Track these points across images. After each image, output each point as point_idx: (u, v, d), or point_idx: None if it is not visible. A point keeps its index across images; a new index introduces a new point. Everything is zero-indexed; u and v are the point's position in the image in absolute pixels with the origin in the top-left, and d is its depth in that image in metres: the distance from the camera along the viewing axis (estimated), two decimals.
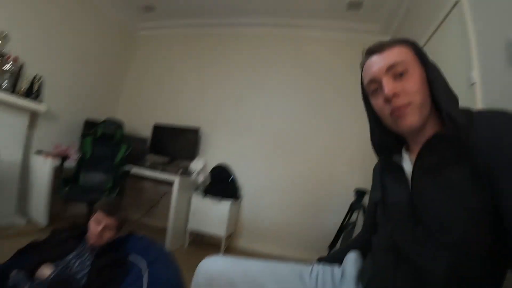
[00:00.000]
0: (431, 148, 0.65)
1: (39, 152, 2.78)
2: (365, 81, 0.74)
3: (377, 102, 0.72)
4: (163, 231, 2.78)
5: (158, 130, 3.49)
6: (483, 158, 0.56)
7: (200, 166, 3.17)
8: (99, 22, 3.57)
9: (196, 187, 3.12)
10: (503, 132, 0.56)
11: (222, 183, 3.04)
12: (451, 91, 0.67)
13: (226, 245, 2.99)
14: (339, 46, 3.30)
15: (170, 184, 3.15)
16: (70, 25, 3.17)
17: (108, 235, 1.43)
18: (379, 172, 0.84)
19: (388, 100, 0.67)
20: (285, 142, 3.24)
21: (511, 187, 0.53)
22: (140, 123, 3.74)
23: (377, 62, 0.69)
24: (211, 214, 2.88)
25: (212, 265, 0.87)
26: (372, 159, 0.90)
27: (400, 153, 0.78)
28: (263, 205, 3.21)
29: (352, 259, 0.86)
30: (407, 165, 0.73)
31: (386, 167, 0.81)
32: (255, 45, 3.57)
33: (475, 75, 1.35)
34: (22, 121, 2.63)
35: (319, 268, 0.87)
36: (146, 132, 3.60)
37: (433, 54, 1.94)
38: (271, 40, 3.51)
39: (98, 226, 1.39)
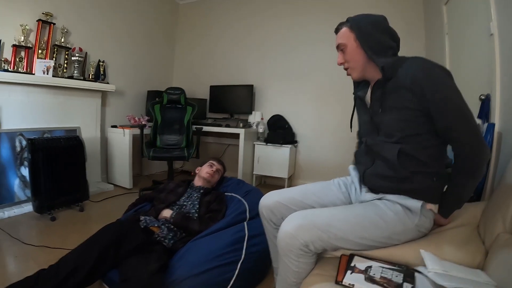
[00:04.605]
0: (377, 87, 1.00)
1: (114, 126, 3.17)
2: None
3: None
4: None
5: (215, 90, 3.70)
6: (407, 86, 0.89)
7: (258, 119, 3.40)
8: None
9: (257, 137, 3.40)
10: (414, 68, 0.89)
11: (280, 131, 3.26)
12: (383, 47, 0.97)
13: (288, 185, 3.28)
14: None
15: (232, 137, 3.46)
16: (121, 8, 3.35)
17: (217, 177, 1.82)
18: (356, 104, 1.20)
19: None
20: (331, 89, 3.28)
21: (432, 100, 0.87)
22: (194, 87, 3.99)
23: (336, 40, 1.06)
24: (274, 159, 3.17)
25: (269, 199, 1.20)
26: None
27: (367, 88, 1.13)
28: (316, 147, 3.41)
29: (351, 167, 1.23)
30: (369, 96, 1.08)
31: (357, 100, 1.17)
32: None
33: (493, 26, 1.49)
34: (96, 102, 3.00)
35: (339, 179, 1.22)
36: (201, 94, 3.86)
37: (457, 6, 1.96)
38: None
39: (212, 168, 1.79)
